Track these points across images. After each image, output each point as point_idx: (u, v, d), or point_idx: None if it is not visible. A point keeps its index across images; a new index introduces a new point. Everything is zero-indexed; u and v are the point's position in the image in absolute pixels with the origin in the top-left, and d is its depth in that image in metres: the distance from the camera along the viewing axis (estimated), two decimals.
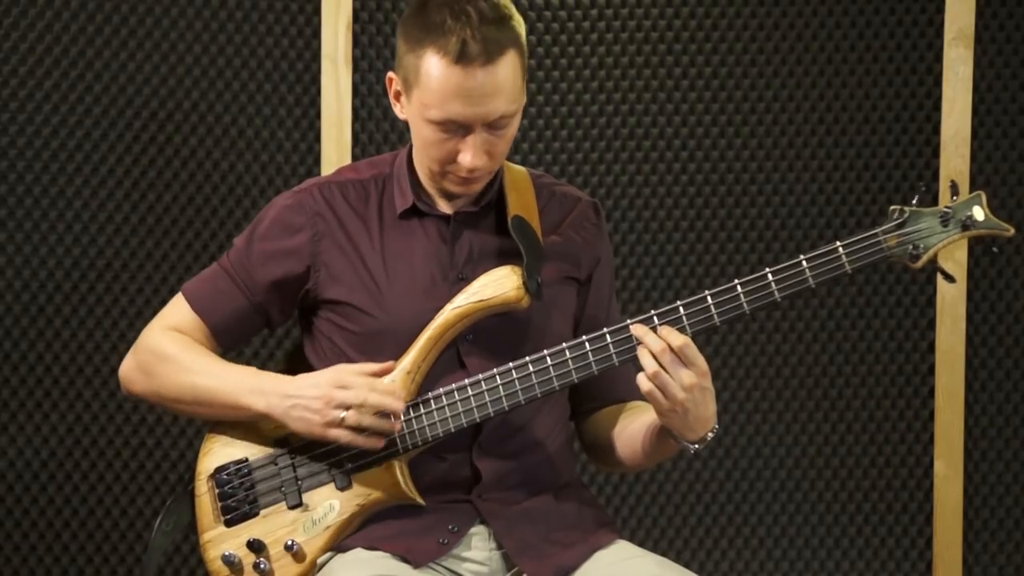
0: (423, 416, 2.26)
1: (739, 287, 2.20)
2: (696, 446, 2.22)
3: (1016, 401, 3.36)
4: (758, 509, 3.36)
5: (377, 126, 3.24)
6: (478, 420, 2.26)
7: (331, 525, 2.29)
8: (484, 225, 2.35)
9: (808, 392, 3.36)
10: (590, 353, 2.23)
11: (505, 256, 2.31)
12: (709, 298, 2.20)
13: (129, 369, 2.41)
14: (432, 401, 2.26)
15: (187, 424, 3.17)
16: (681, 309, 2.20)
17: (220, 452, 2.35)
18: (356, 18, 3.22)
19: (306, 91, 3.23)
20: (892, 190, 3.34)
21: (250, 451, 2.33)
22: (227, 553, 2.30)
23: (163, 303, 2.44)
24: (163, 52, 3.15)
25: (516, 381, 2.24)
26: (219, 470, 2.34)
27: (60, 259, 3.11)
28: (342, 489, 2.29)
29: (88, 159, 3.12)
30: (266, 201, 2.62)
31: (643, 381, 2.16)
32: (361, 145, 3.23)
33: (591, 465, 3.12)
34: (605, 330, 2.23)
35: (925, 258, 2.20)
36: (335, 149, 3.21)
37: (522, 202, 2.34)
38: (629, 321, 2.21)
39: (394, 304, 2.30)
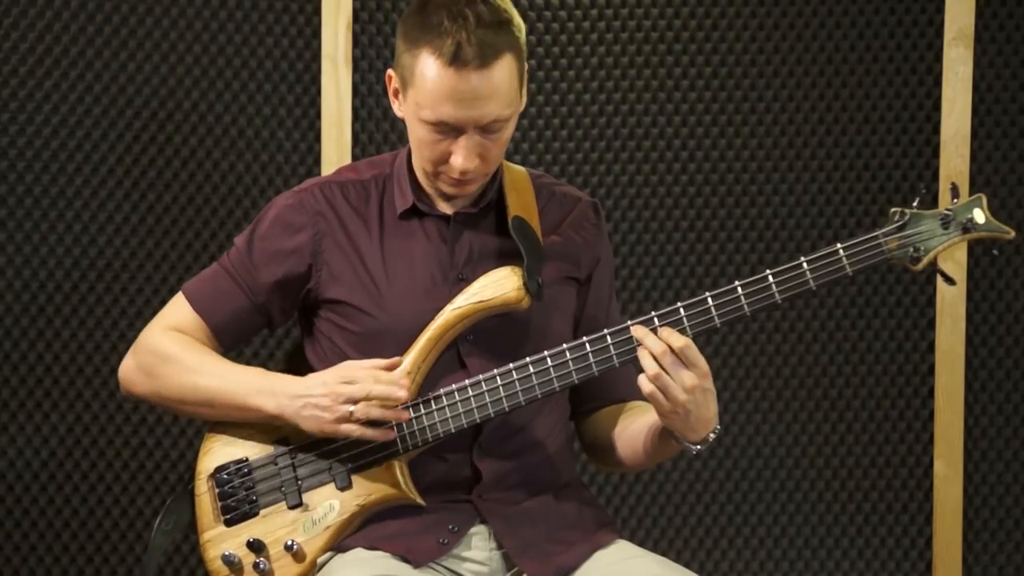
0: (423, 416, 2.26)
1: (739, 288, 2.20)
2: (698, 447, 2.22)
3: (1016, 401, 3.36)
4: (758, 509, 3.36)
5: (377, 126, 3.24)
6: (478, 420, 2.25)
7: (331, 525, 2.28)
8: (484, 225, 2.35)
9: (808, 392, 3.36)
10: (591, 354, 2.23)
11: (505, 257, 2.31)
12: (710, 299, 2.20)
13: (129, 370, 2.40)
14: (432, 401, 2.26)
15: (187, 424, 3.17)
16: (682, 310, 2.20)
17: (220, 452, 2.35)
18: (356, 18, 3.22)
19: (306, 91, 3.23)
20: (892, 190, 3.33)
21: (250, 451, 2.33)
22: (227, 553, 2.30)
23: (163, 303, 2.44)
24: (163, 52, 3.15)
25: (516, 382, 2.24)
26: (219, 470, 2.33)
27: (60, 259, 3.11)
28: (342, 489, 2.29)
29: (88, 159, 3.12)
30: (266, 201, 2.62)
31: (644, 383, 2.16)
32: (361, 145, 3.23)
33: (591, 465, 3.11)
34: (606, 331, 2.22)
35: (925, 260, 2.20)
36: (335, 149, 3.21)
37: (522, 202, 2.34)
38: (630, 322, 2.21)
39: (394, 304, 2.30)
